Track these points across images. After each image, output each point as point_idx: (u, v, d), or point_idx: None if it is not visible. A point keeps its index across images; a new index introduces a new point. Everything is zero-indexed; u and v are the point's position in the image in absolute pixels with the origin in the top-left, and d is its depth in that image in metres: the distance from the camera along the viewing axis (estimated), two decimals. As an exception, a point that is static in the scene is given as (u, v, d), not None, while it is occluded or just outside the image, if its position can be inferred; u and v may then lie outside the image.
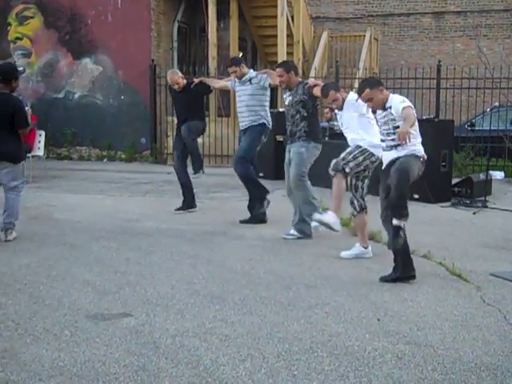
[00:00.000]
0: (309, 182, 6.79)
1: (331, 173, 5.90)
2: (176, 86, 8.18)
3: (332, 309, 4.55)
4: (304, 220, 6.76)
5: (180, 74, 8.36)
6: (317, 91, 6.54)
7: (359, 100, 5.62)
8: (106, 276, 5.33)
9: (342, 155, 5.94)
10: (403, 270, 5.19)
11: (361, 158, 5.92)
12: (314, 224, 6.12)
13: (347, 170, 5.85)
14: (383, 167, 5.47)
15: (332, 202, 5.93)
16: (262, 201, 7.58)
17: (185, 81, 8.26)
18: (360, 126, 5.99)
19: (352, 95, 6.11)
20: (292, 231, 6.82)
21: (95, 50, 14.67)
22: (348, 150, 6.00)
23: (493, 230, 7.43)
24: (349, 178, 5.95)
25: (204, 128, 8.39)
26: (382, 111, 5.26)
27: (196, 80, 8.36)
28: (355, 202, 6.04)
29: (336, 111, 6.26)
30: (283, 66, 6.99)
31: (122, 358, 3.67)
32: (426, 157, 5.30)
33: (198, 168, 8.22)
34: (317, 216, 5.96)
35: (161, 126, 14.31)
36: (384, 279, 5.21)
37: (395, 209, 5.06)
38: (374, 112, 5.41)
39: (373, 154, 5.91)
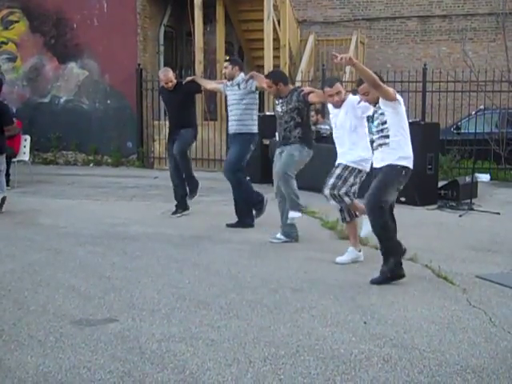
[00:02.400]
0: (294, 182, 6.72)
1: (330, 202, 6.02)
2: (170, 84, 8.11)
3: (318, 312, 4.54)
4: (290, 223, 6.75)
5: (172, 72, 8.31)
6: (312, 97, 6.51)
7: (361, 103, 5.67)
8: (91, 281, 5.29)
9: (332, 181, 5.89)
10: (392, 269, 5.19)
11: (351, 179, 5.90)
12: (290, 217, 6.68)
13: (346, 199, 5.86)
14: (373, 166, 5.50)
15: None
16: (257, 205, 7.49)
17: (175, 80, 8.23)
18: (353, 136, 5.95)
19: (354, 97, 5.94)
20: (279, 235, 6.80)
21: (81, 54, 14.62)
22: (337, 172, 5.94)
23: (479, 233, 7.45)
24: (336, 192, 5.88)
25: (195, 135, 8.37)
26: (374, 108, 5.33)
27: (188, 78, 8.34)
28: (345, 212, 6.02)
29: (331, 110, 6.17)
30: (271, 78, 6.87)
31: (107, 364, 3.64)
32: (409, 166, 5.25)
33: (192, 191, 8.30)
34: (292, 214, 6.61)
35: (147, 130, 14.28)
36: (374, 281, 5.20)
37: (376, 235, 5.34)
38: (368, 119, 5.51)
39: (360, 171, 5.94)
